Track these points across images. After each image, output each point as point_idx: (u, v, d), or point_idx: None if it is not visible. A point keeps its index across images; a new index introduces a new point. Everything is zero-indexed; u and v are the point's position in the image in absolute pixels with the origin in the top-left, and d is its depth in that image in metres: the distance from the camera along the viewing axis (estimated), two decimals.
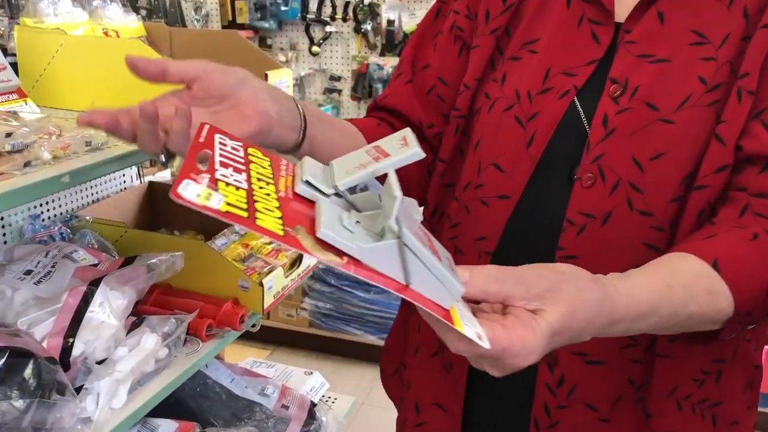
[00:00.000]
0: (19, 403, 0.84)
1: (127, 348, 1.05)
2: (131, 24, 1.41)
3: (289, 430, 1.34)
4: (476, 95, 0.91)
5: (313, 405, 1.45)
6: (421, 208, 0.97)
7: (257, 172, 0.59)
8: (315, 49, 3.60)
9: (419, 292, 0.53)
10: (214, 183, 0.54)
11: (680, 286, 0.67)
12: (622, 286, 0.65)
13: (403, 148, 0.57)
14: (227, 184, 0.55)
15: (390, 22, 3.41)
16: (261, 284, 1.24)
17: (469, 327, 0.53)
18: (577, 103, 0.83)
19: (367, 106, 1.00)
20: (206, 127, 0.62)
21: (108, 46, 1.20)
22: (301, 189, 0.57)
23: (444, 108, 0.95)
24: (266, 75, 1.28)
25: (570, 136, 0.83)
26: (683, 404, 0.83)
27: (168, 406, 1.20)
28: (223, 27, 3.66)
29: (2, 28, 4.26)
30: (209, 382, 1.36)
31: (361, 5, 3.46)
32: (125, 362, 1.03)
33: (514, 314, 0.57)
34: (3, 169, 0.80)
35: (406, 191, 0.92)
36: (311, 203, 0.57)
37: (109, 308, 1.01)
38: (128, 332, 1.07)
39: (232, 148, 0.60)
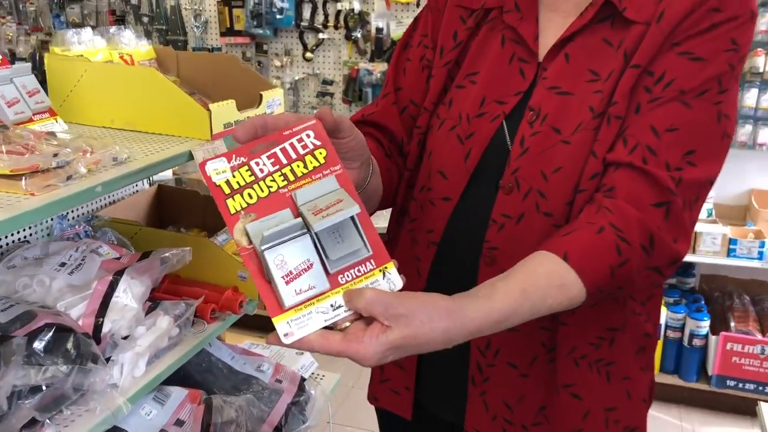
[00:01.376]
0: (64, 368, 1.03)
1: (145, 327, 1.23)
2: (143, 48, 1.61)
3: (282, 400, 1.53)
4: (432, 116, 1.10)
5: (303, 380, 1.64)
6: (390, 208, 1.18)
7: (290, 170, 0.79)
8: (308, 55, 3.69)
9: (268, 290, 0.75)
10: (239, 166, 0.77)
11: (535, 288, 0.84)
12: (480, 305, 0.80)
13: (332, 214, 0.76)
14: (249, 168, 0.77)
15: (379, 30, 3.49)
16: None
17: (290, 324, 0.74)
18: (504, 126, 1.02)
19: (352, 116, 1.17)
20: (312, 122, 0.81)
21: (124, 73, 1.39)
22: (294, 195, 0.79)
23: (413, 125, 1.14)
24: (261, 95, 1.48)
25: (497, 152, 1.02)
26: (580, 362, 1.02)
27: (178, 380, 1.40)
28: (222, 34, 3.77)
29: (11, 34, 4.45)
30: (213, 359, 1.55)
31: (351, 14, 3.54)
32: (144, 339, 1.22)
33: (370, 327, 0.75)
34: (51, 182, 1.00)
35: (391, 190, 1.10)
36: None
37: (131, 294, 1.20)
38: (146, 314, 1.25)
39: (303, 146, 0.80)
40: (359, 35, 3.58)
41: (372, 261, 0.79)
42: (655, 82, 0.94)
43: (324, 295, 0.76)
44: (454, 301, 0.79)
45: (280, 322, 0.74)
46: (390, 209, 1.18)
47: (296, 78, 3.78)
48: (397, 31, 3.49)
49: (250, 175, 0.77)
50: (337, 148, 0.84)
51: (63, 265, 1.25)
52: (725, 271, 3.24)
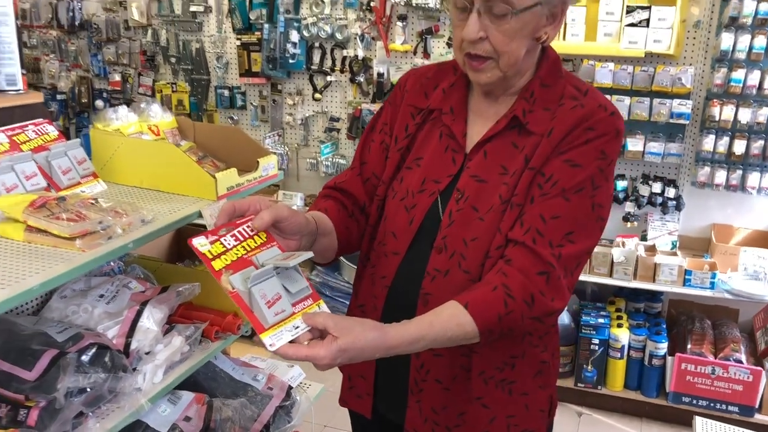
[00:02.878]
0: (103, 376, 1.37)
1: (163, 345, 1.55)
2: (167, 119, 1.97)
3: (271, 404, 1.86)
4: (388, 188, 1.45)
5: (290, 387, 1.96)
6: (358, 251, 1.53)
7: (247, 243, 1.16)
8: (317, 95, 4.03)
9: (253, 316, 1.10)
10: (214, 241, 1.14)
11: (438, 323, 1.17)
12: (399, 327, 1.14)
13: (293, 258, 1.15)
14: (220, 242, 1.14)
15: (380, 75, 3.81)
16: None
17: (272, 338, 1.09)
18: (439, 201, 1.35)
19: (327, 182, 1.52)
20: (252, 217, 1.19)
21: (151, 147, 1.76)
22: (254, 258, 1.16)
23: (374, 192, 1.48)
24: (258, 162, 1.84)
25: (433, 221, 1.35)
26: (488, 381, 1.35)
27: (188, 385, 1.73)
28: (241, 74, 4.12)
29: (53, 70, 4.94)
30: (217, 369, 1.88)
31: (355, 60, 3.87)
32: (162, 354, 1.54)
33: (325, 339, 1.09)
34: (97, 241, 1.37)
35: (352, 242, 1.49)
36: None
37: (153, 320, 1.54)
38: (164, 334, 1.57)
39: (250, 229, 1.18)
40: (362, 79, 3.92)
41: (311, 299, 1.18)
42: (545, 181, 1.27)
43: (288, 318, 1.13)
44: (381, 324, 1.16)
45: (265, 337, 1.10)
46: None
47: (307, 115, 4.12)
48: (396, 76, 3.80)
49: (222, 248, 1.15)
50: (282, 227, 1.23)
51: (101, 296, 1.60)
52: (691, 297, 3.53)
